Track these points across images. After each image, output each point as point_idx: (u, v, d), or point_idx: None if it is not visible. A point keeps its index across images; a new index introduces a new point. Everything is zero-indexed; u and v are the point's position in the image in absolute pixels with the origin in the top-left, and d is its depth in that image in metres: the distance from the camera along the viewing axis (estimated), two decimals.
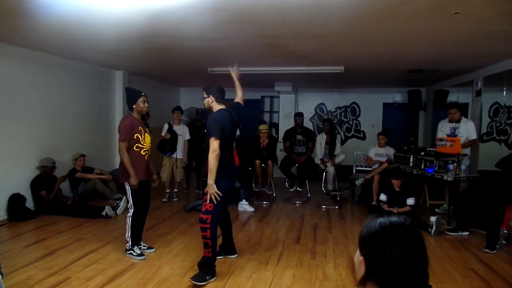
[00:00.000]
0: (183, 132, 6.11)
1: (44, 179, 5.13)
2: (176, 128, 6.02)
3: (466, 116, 6.01)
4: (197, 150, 6.43)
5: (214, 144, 2.99)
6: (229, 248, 3.57)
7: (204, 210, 3.06)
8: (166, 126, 6.00)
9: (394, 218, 0.99)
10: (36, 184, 5.07)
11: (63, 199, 5.25)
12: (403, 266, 0.94)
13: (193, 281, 2.97)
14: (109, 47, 5.00)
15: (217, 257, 3.43)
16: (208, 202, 3.04)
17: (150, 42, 4.58)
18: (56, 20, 3.66)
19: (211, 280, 3.05)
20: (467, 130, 4.87)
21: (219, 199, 3.03)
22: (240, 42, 4.48)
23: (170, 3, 3.10)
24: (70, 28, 3.98)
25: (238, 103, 3.63)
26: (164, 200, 5.99)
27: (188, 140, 6.17)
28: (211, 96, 3.24)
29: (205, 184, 5.92)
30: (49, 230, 4.34)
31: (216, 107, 3.26)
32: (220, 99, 3.27)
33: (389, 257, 0.94)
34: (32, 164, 5.18)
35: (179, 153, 6.04)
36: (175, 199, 6.07)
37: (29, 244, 3.87)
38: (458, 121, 4.93)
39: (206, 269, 3.07)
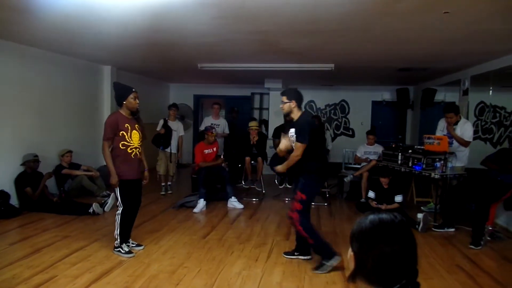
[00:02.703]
0: (177, 128, 6.28)
1: (29, 175, 5.02)
2: (171, 123, 6.17)
3: None
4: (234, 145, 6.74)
5: (300, 149, 3.16)
6: (303, 249, 3.48)
7: (293, 208, 3.22)
8: (161, 122, 6.16)
9: (384, 215, 0.99)
10: (20, 181, 4.96)
11: (49, 196, 5.15)
12: (391, 263, 0.95)
13: (315, 271, 3.17)
14: (98, 42, 4.91)
15: (290, 257, 3.51)
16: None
17: (140, 37, 4.51)
18: (45, 13, 3.57)
19: (333, 261, 3.17)
20: (462, 132, 4.79)
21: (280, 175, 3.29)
22: (232, 38, 4.45)
23: None
24: (58, 21, 3.90)
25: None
26: (162, 193, 6.18)
27: (182, 136, 6.38)
28: (294, 101, 3.28)
29: (194, 182, 5.96)
30: (35, 228, 4.25)
31: (297, 112, 3.31)
32: (300, 105, 3.33)
33: (377, 254, 0.95)
34: (16, 161, 5.06)
35: (174, 148, 6.19)
36: (170, 192, 6.27)
37: (13, 242, 3.79)
38: (456, 123, 4.83)
39: (322, 255, 3.23)
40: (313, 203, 5.69)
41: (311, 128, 3.22)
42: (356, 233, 1.00)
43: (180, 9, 3.35)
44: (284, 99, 3.29)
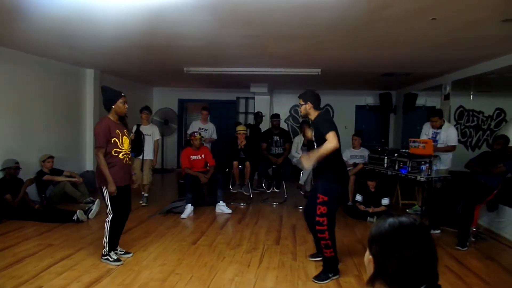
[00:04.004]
0: (152, 132, 5.82)
1: (9, 182, 4.82)
2: (144, 128, 5.63)
3: None
4: (256, 150, 6.42)
5: (333, 138, 3.01)
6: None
7: (319, 213, 3.12)
8: (134, 127, 5.54)
9: (403, 218, 0.99)
10: None
11: (30, 203, 4.96)
12: (412, 266, 0.94)
13: (315, 281, 3.09)
14: (83, 45, 4.78)
15: (315, 259, 3.50)
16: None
17: (128, 40, 4.44)
18: (28, 14, 3.46)
19: (334, 277, 3.14)
20: (447, 136, 4.94)
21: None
22: (221, 42, 4.43)
23: (150, 1, 3.01)
24: (42, 23, 3.77)
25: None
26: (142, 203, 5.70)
27: (157, 140, 5.90)
28: (309, 102, 3.23)
29: (181, 188, 5.85)
30: (15, 236, 4.08)
31: (314, 113, 3.26)
32: (317, 106, 3.27)
33: (398, 257, 0.94)
34: None
35: (147, 154, 5.70)
36: (144, 204, 5.67)
37: None
38: (440, 126, 5.00)
39: (328, 268, 3.16)
40: (300, 207, 5.81)
41: (331, 121, 3.18)
42: (375, 236, 0.99)
43: (171, 13, 3.31)
44: (301, 101, 3.28)
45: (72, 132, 6.56)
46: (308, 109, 3.26)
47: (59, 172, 5.67)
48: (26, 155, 5.31)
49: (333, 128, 3.09)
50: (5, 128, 5.10)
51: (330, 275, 3.13)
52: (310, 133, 3.36)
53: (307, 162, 3.10)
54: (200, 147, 5.71)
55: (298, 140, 6.60)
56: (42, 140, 5.77)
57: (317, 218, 3.14)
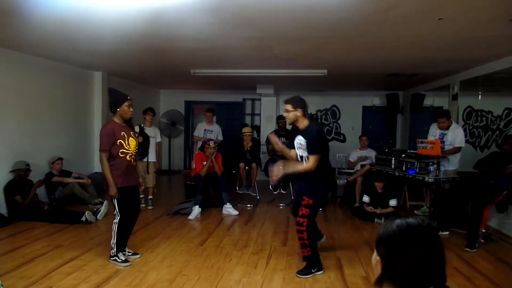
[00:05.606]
0: (154, 134, 5.78)
1: (19, 183, 4.89)
2: (148, 130, 5.49)
3: None
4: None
5: (314, 161, 3.06)
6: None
7: (301, 214, 3.16)
8: (137, 129, 5.07)
9: (411, 220, 0.99)
10: (10, 189, 4.83)
11: (40, 204, 5.02)
12: (420, 267, 0.94)
13: (299, 275, 3.17)
14: (91, 47, 4.83)
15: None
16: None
17: (135, 42, 4.48)
18: (32, 17, 3.50)
19: (318, 273, 3.20)
20: (454, 137, 4.90)
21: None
22: (227, 44, 4.45)
23: (156, 3, 3.04)
24: (50, 26, 3.83)
25: None
26: (141, 205, 5.48)
27: (159, 142, 5.85)
28: (299, 109, 3.16)
29: (188, 189, 5.87)
30: (25, 237, 4.13)
31: (303, 120, 3.20)
32: (306, 112, 3.23)
33: (406, 258, 0.94)
34: (5, 168, 4.93)
35: (151, 156, 5.63)
36: (150, 207, 5.63)
37: (4, 252, 3.67)
38: (448, 127, 4.96)
39: (311, 263, 3.22)
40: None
41: (323, 138, 3.21)
42: (383, 237, 0.99)
43: (177, 15, 3.33)
44: (289, 107, 3.17)
45: (80, 134, 6.64)
46: (299, 116, 3.17)
47: (68, 174, 5.74)
48: (35, 157, 5.37)
49: (322, 149, 3.12)
50: (15, 130, 5.17)
51: (313, 270, 3.20)
52: (274, 143, 3.39)
53: (278, 173, 3.18)
54: (213, 154, 5.63)
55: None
56: (51, 142, 5.84)
57: (298, 219, 3.19)
